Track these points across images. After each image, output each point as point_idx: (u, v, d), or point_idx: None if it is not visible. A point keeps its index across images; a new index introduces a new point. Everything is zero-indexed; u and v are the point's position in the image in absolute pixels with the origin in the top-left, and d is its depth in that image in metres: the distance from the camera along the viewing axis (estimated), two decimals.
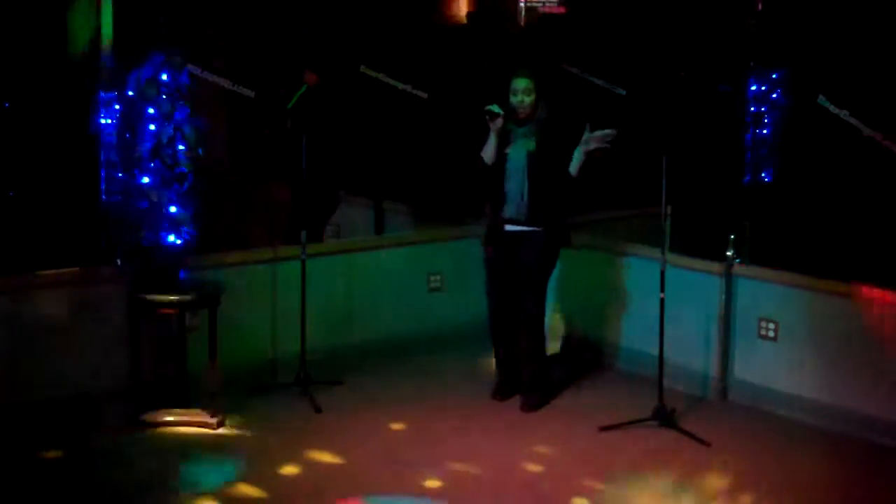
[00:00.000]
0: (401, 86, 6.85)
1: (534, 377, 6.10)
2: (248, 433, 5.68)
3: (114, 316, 5.85)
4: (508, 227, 5.96)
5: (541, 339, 6.10)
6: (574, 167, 5.82)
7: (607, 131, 5.72)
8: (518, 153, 5.90)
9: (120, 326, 5.83)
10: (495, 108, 5.81)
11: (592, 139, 5.74)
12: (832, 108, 5.76)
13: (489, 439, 5.65)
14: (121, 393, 5.78)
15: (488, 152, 5.92)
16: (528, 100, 5.88)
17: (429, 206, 7.56)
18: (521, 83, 5.90)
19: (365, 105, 7.10)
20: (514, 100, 5.90)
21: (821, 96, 5.78)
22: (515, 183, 5.88)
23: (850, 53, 5.91)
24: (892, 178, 5.79)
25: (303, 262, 6.23)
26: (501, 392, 6.16)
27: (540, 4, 7.27)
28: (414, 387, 6.40)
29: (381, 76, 6.79)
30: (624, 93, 6.93)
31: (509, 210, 5.92)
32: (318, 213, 7.36)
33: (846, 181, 5.99)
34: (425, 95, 6.90)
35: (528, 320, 6.02)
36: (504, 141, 5.90)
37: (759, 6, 6.08)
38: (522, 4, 7.33)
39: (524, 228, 5.92)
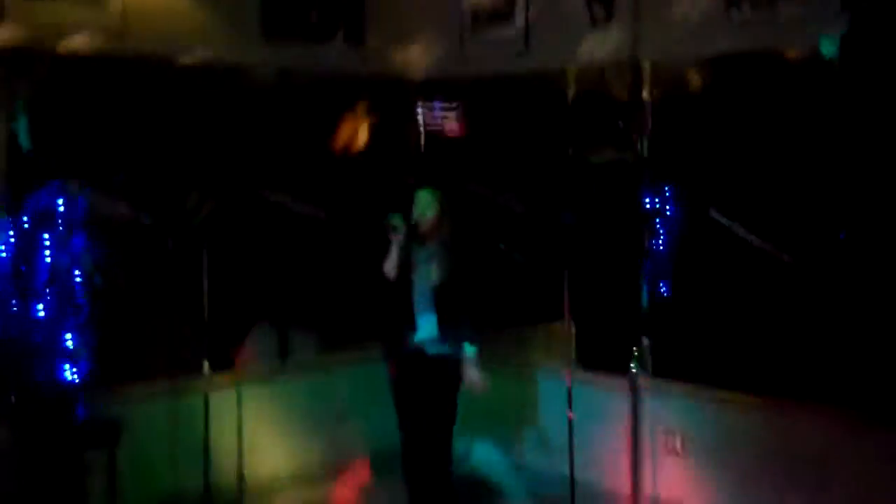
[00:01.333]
0: (299, 208, 6.90)
1: (439, 498, 6.00)
2: None
3: (7, 456, 5.69)
4: (413, 348, 5.89)
5: (448, 470, 5.99)
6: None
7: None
8: (422, 282, 5.88)
9: (13, 468, 5.67)
10: (396, 220, 5.85)
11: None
12: (724, 220, 5.94)
13: None
14: None
15: (390, 266, 5.91)
16: (429, 213, 5.88)
17: (333, 329, 7.51)
18: (422, 196, 5.93)
19: (265, 228, 7.12)
20: (415, 212, 5.91)
21: (712, 210, 5.98)
22: (423, 307, 5.86)
23: (740, 166, 6.11)
24: (785, 287, 5.94)
25: (205, 396, 6.12)
26: None
27: (439, 128, 7.47)
28: None
29: (280, 198, 6.85)
30: (523, 211, 7.09)
31: (420, 333, 5.88)
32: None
33: (742, 292, 6.15)
34: (323, 215, 6.95)
35: (434, 452, 5.91)
36: (407, 261, 5.91)
37: (649, 125, 6.33)
38: (422, 131, 7.53)
39: (433, 353, 5.86)
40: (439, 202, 5.93)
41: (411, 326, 5.90)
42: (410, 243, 5.92)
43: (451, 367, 5.94)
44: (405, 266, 5.92)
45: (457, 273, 5.89)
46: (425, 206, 5.90)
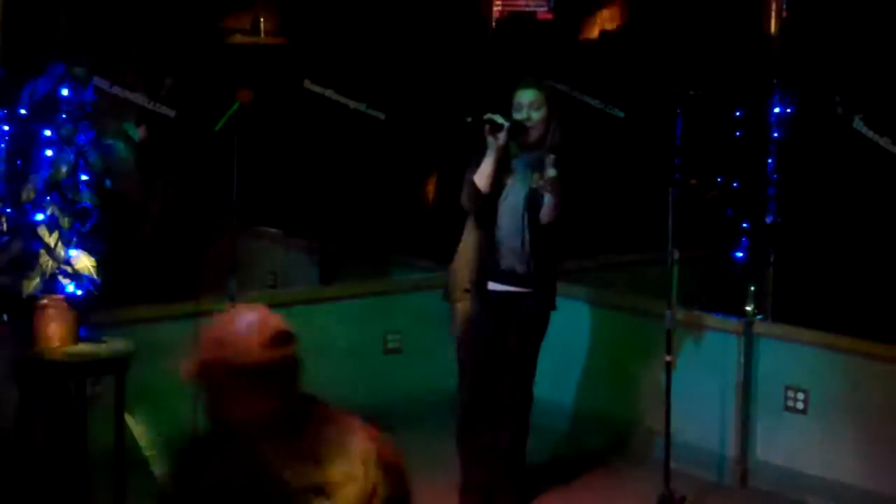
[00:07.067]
0: (353, 104, 6.69)
1: (513, 474, 5.68)
2: None
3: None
4: (494, 286, 5.46)
5: (526, 428, 5.68)
6: (546, 214, 5.30)
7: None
8: (516, 190, 5.39)
9: (6, 395, 5.60)
10: (498, 119, 5.26)
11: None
12: (871, 133, 5.69)
13: None
14: (11, 476, 5.57)
15: (484, 177, 5.32)
16: (536, 115, 5.35)
17: (386, 250, 7.41)
18: (526, 95, 5.37)
19: (309, 127, 7.01)
20: (517, 116, 5.36)
21: (857, 119, 5.71)
22: (512, 228, 5.37)
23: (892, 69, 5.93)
24: None
25: None
26: (476, 494, 5.66)
27: (523, 7, 7.26)
28: None
29: (328, 93, 6.63)
30: (622, 115, 6.80)
31: (504, 262, 5.40)
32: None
33: (889, 221, 6.00)
34: (382, 116, 6.76)
35: (514, 405, 5.57)
36: (502, 169, 5.38)
37: (784, 13, 6.06)
38: (499, 8, 7.27)
39: (515, 289, 5.42)
40: (547, 100, 5.40)
41: (490, 258, 5.45)
42: (509, 150, 5.37)
43: (535, 312, 5.50)
44: (498, 179, 5.37)
45: (569, 186, 5.33)
46: (530, 108, 5.37)
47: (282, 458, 2.54)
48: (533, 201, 5.35)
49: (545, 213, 5.31)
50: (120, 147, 5.99)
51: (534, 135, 5.37)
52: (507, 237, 5.40)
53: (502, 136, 5.25)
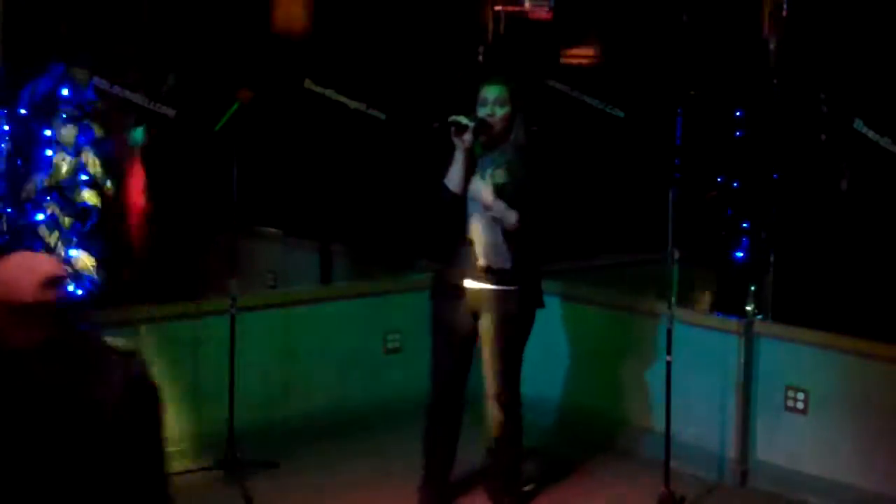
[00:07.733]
0: (353, 104, 6.70)
1: (509, 471, 5.71)
2: None
3: None
4: (469, 284, 5.48)
5: (519, 427, 5.69)
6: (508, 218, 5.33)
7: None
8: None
9: None
10: (463, 120, 5.33)
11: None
12: (871, 134, 5.70)
13: None
14: None
15: (455, 177, 5.38)
16: (500, 112, 5.40)
17: (386, 250, 7.42)
18: (492, 91, 5.42)
19: (309, 127, 6.96)
20: (482, 111, 5.42)
21: (857, 121, 5.70)
22: (482, 228, 5.40)
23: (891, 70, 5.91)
24: None
25: (232, 317, 6.03)
26: (434, 490, 5.69)
27: (522, 9, 7.28)
28: (368, 471, 6.22)
29: (328, 92, 6.64)
30: (622, 115, 6.81)
31: (479, 261, 5.42)
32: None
33: (890, 221, 5.98)
34: (383, 116, 6.77)
35: (501, 405, 5.57)
36: (470, 168, 5.44)
37: (784, 12, 6.07)
38: (499, 10, 7.29)
39: (489, 287, 5.44)
40: (511, 98, 5.44)
41: (464, 257, 5.46)
42: (475, 148, 5.43)
43: (511, 309, 5.48)
44: (468, 172, 5.42)
45: (530, 176, 5.40)
46: (494, 104, 5.41)
47: (51, 379, 2.99)
48: (500, 198, 5.37)
49: (506, 224, 5.37)
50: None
51: (498, 128, 5.41)
52: (479, 236, 5.42)
53: (468, 136, 5.31)
